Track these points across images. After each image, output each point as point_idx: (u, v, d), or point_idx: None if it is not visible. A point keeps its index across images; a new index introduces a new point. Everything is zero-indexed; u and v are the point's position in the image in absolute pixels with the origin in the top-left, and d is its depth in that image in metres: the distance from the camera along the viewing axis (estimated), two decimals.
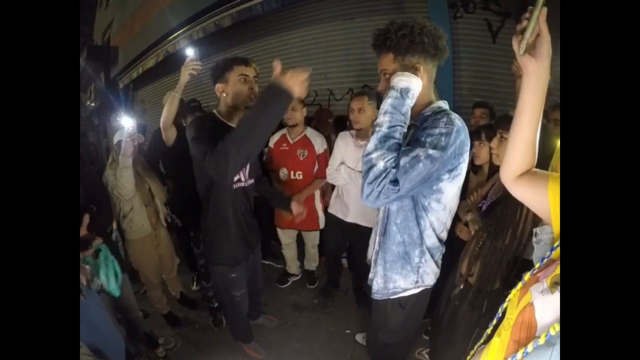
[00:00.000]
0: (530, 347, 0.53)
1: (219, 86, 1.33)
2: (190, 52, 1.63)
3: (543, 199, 0.61)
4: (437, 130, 0.90)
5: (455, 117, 0.93)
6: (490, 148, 1.22)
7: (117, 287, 1.34)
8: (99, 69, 8.77)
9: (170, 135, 1.83)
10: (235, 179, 1.43)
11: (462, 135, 0.93)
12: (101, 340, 1.25)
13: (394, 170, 0.88)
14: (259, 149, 1.21)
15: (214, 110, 1.41)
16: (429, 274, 1.13)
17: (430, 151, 0.88)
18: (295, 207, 1.69)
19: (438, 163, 0.89)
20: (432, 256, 1.11)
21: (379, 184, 0.89)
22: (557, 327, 0.50)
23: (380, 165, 0.89)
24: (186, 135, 1.30)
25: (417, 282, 1.12)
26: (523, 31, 0.57)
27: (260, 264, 1.89)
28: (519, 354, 0.55)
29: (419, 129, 0.97)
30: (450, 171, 0.97)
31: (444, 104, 1.02)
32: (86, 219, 1.19)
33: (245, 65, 1.32)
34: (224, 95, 1.34)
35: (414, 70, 0.95)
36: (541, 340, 0.52)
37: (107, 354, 1.25)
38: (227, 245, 1.50)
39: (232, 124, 1.38)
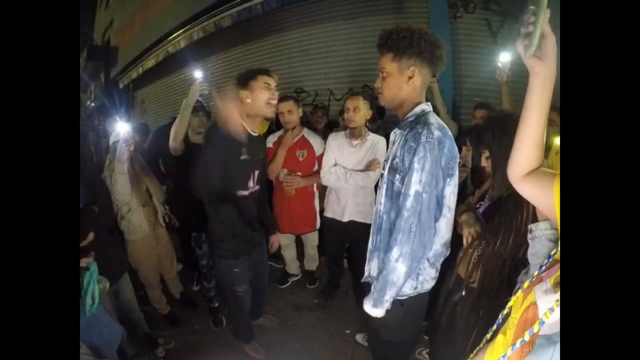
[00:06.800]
0: (527, 336, 0.55)
1: (242, 93, 1.44)
2: (199, 74, 1.82)
3: (549, 198, 0.61)
4: (421, 153, 0.97)
5: (435, 127, 0.99)
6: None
7: (91, 308, 1.16)
8: (99, 69, 8.77)
9: (179, 148, 1.91)
10: (249, 184, 1.57)
11: (446, 142, 0.99)
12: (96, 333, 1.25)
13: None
14: None
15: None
16: (428, 280, 1.15)
17: (421, 188, 0.98)
18: (273, 241, 1.89)
19: (433, 186, 0.99)
20: (432, 264, 1.14)
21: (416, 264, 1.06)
22: (549, 315, 0.51)
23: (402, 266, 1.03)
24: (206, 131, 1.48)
25: (416, 287, 1.14)
26: (528, 35, 0.56)
27: (266, 264, 1.92)
28: (517, 344, 0.56)
29: (404, 141, 1.04)
30: (450, 176, 1.04)
31: (427, 107, 1.08)
32: (90, 236, 1.21)
33: (268, 75, 1.46)
34: (248, 101, 1.44)
35: (409, 71, 1.02)
36: (535, 328, 0.53)
37: (100, 346, 1.24)
38: (231, 241, 1.60)
39: (250, 130, 1.50)
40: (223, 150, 1.37)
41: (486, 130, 1.11)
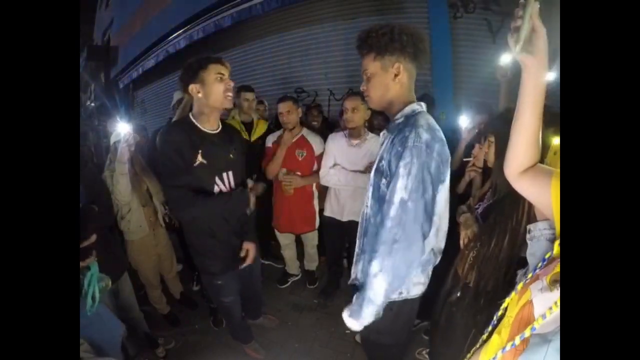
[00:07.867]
0: (517, 340, 0.54)
1: (193, 87, 1.27)
2: None
3: (546, 195, 0.61)
4: (407, 158, 0.90)
5: (424, 129, 0.92)
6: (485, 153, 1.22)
7: (92, 308, 1.19)
8: (99, 69, 8.77)
9: None
10: (216, 190, 1.38)
11: (436, 146, 0.92)
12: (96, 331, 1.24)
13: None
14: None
15: (189, 114, 1.36)
16: (416, 285, 1.09)
17: (406, 195, 0.91)
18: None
19: (421, 191, 0.92)
20: (420, 270, 1.08)
21: (407, 269, 0.96)
22: (541, 321, 0.51)
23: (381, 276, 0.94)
24: (157, 140, 1.31)
25: (401, 293, 1.08)
26: (517, 29, 0.57)
27: (259, 270, 1.85)
28: (508, 346, 0.56)
29: (391, 145, 0.98)
30: (442, 182, 0.98)
31: (418, 106, 1.01)
32: (93, 238, 1.18)
33: (221, 64, 1.28)
34: (199, 95, 1.28)
35: (394, 68, 0.96)
36: (527, 333, 0.53)
37: (102, 344, 1.23)
38: (209, 254, 1.47)
39: (205, 128, 1.34)
40: (170, 159, 1.25)
41: (501, 117, 1.10)
